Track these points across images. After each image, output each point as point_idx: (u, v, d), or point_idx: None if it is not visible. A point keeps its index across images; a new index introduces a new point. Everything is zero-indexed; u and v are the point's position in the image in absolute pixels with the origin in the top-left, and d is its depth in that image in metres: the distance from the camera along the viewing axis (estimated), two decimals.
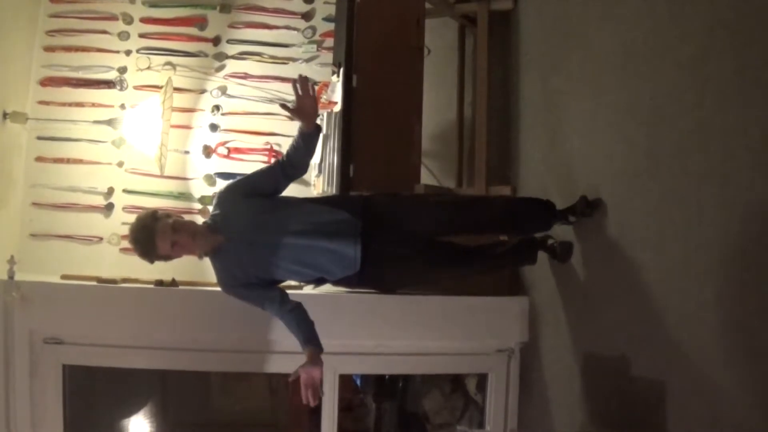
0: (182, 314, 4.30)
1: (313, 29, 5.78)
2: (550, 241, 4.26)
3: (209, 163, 5.64)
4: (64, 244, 5.41)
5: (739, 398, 2.87)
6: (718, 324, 3.01)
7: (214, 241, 3.63)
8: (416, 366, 4.78)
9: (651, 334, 3.44)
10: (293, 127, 5.56)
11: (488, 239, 4.21)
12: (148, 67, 5.60)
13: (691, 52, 3.21)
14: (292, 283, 4.57)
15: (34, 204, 5.40)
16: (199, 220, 4.66)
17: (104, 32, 5.61)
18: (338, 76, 4.71)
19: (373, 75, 4.60)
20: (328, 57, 5.59)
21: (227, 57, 5.74)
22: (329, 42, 5.64)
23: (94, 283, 4.49)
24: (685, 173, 3.22)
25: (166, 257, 3.61)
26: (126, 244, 5.32)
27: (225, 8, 5.70)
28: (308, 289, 4.29)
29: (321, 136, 4.03)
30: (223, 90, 5.69)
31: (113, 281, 4.53)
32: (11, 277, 4.10)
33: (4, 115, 5.02)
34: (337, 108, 4.63)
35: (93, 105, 5.52)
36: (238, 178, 3.88)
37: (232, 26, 5.76)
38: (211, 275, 3.79)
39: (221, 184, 5.45)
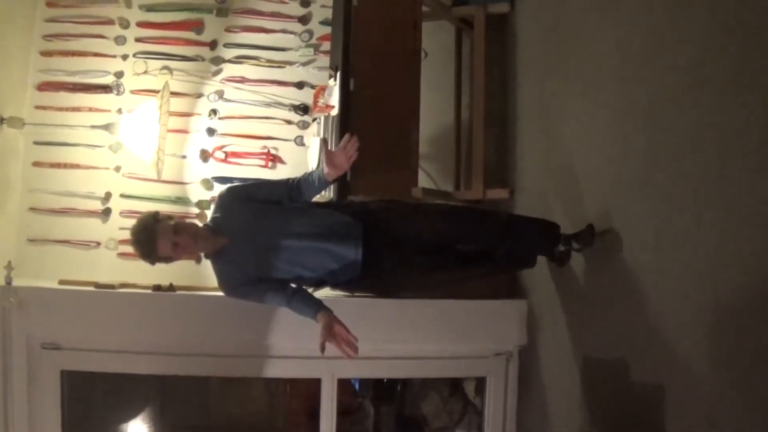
0: (180, 319, 4.31)
1: (310, 33, 5.78)
2: None
3: (206, 168, 5.63)
4: (61, 249, 5.40)
5: (737, 400, 2.87)
6: (717, 326, 3.00)
7: (215, 243, 3.63)
8: (414, 369, 4.78)
9: (649, 337, 3.44)
10: (290, 131, 5.62)
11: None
12: (145, 72, 5.59)
13: (688, 55, 3.21)
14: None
15: (32, 209, 5.39)
16: (198, 224, 4.64)
17: (101, 36, 5.60)
18: (335, 79, 4.71)
19: (370, 78, 4.61)
20: (325, 60, 5.59)
21: (224, 61, 5.73)
22: (326, 45, 5.63)
23: (92, 288, 4.50)
24: (683, 176, 3.22)
25: (167, 259, 3.61)
26: (124, 248, 5.33)
27: (222, 12, 5.69)
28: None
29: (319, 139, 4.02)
30: (220, 94, 5.68)
31: (111, 286, 4.53)
32: (8, 283, 4.10)
33: (1, 120, 5.01)
34: (334, 112, 4.64)
35: (90, 109, 5.51)
36: (245, 182, 3.87)
37: (228, 30, 5.76)
38: (208, 280, 3.80)
39: (219, 189, 5.45)
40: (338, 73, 4.63)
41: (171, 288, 4.62)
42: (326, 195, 4.51)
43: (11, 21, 5.20)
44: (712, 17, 3.06)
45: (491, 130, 5.10)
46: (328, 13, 5.44)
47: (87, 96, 5.53)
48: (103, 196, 5.48)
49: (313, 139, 5.05)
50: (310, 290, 4.07)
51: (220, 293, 3.80)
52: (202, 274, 4.90)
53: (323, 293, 4.08)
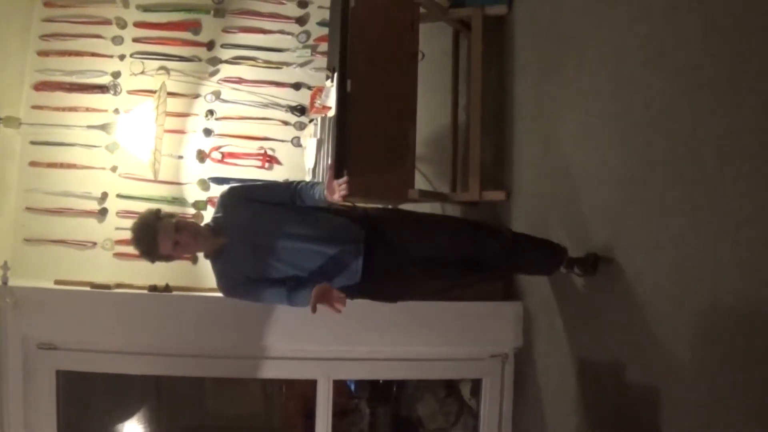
0: (176, 320, 4.31)
1: (308, 34, 5.77)
2: None
3: (203, 168, 5.63)
4: (57, 249, 5.39)
5: (733, 403, 2.88)
6: (713, 329, 3.01)
7: (216, 242, 3.61)
8: (410, 371, 4.79)
9: (645, 339, 3.44)
10: (287, 132, 5.62)
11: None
12: (142, 72, 5.58)
13: (685, 58, 3.21)
14: None
15: (28, 209, 5.38)
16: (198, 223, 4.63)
17: (98, 37, 5.59)
18: (332, 80, 4.71)
19: (368, 80, 4.60)
20: (322, 61, 5.59)
21: (221, 61, 5.72)
22: (323, 46, 5.63)
23: (88, 288, 4.50)
24: (679, 179, 3.22)
25: (168, 257, 3.56)
26: (120, 249, 5.33)
27: (219, 13, 5.69)
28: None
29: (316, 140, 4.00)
30: (217, 94, 5.68)
31: (107, 286, 4.53)
32: (5, 283, 4.11)
33: None
34: (331, 113, 4.63)
35: (87, 109, 5.50)
36: (248, 183, 3.85)
37: (226, 31, 5.75)
38: (204, 280, 3.80)
39: (215, 189, 5.46)
40: (335, 75, 4.62)
41: (167, 288, 4.62)
42: None
43: (8, 21, 5.19)
44: (709, 20, 3.06)
45: (488, 131, 5.11)
46: (326, 15, 5.44)
47: (84, 96, 5.52)
48: (99, 196, 5.47)
49: (309, 140, 5.05)
50: None
51: (216, 294, 3.79)
52: (198, 274, 4.90)
53: None
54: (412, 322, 4.39)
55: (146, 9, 5.65)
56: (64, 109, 5.48)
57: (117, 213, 5.46)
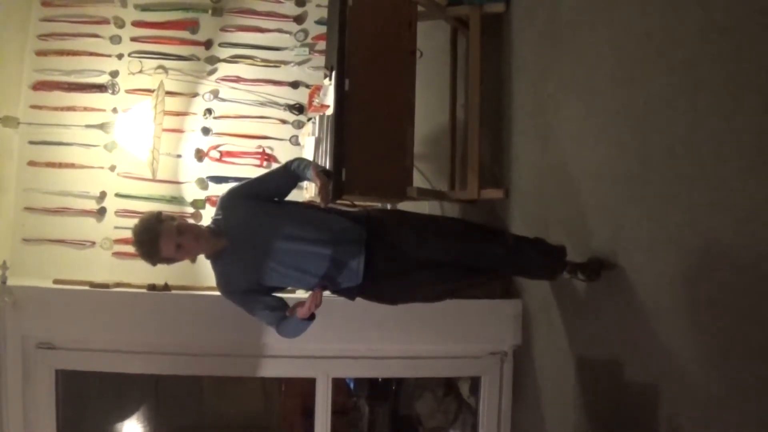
0: (175, 319, 4.31)
1: (305, 32, 5.78)
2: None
3: (201, 167, 5.63)
4: (56, 248, 5.39)
5: (731, 401, 2.88)
6: (710, 327, 3.01)
7: (217, 244, 3.59)
8: (409, 369, 4.80)
9: (643, 337, 3.44)
10: (285, 131, 5.63)
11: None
12: (140, 71, 5.59)
13: (683, 56, 3.21)
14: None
15: (26, 208, 5.39)
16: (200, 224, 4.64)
17: (96, 36, 5.59)
18: (330, 79, 4.71)
19: (366, 78, 4.60)
20: (320, 60, 5.59)
21: (219, 60, 5.73)
22: (321, 45, 5.64)
23: (87, 287, 4.50)
24: (677, 177, 3.22)
25: (169, 260, 3.54)
26: (118, 248, 5.33)
27: (217, 12, 5.69)
28: (301, 293, 4.29)
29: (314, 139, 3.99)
30: (215, 93, 5.68)
31: (106, 286, 4.53)
32: (3, 282, 4.11)
33: None
34: (330, 111, 4.63)
35: (85, 109, 5.50)
36: (246, 181, 3.84)
37: (224, 29, 5.75)
38: (203, 279, 3.79)
39: (213, 188, 5.47)
40: (333, 73, 4.62)
41: (166, 287, 4.62)
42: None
43: (6, 20, 5.19)
44: (707, 19, 3.06)
45: (486, 129, 5.11)
46: (324, 13, 5.44)
47: (82, 95, 5.52)
48: (98, 195, 5.47)
49: (308, 138, 5.05)
50: (304, 292, 4.07)
51: (215, 293, 3.78)
52: (197, 273, 4.90)
53: None
54: (411, 320, 4.39)
55: (144, 8, 5.65)
56: (62, 109, 5.48)
57: (116, 212, 5.46)
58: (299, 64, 5.77)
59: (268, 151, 5.66)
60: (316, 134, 4.82)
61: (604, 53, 3.89)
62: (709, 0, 3.07)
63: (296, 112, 5.68)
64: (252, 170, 5.58)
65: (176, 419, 5.26)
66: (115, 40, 5.60)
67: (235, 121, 5.70)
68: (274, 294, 3.68)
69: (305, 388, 4.70)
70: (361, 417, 5.35)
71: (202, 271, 3.91)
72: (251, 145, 5.68)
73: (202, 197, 5.58)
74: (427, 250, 3.75)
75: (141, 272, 4.72)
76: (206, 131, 5.64)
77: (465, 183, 5.14)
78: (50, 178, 5.43)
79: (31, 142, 5.42)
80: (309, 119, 5.28)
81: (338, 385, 4.88)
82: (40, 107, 5.46)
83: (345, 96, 4.53)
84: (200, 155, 5.63)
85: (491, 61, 5.17)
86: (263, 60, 5.76)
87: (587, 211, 3.99)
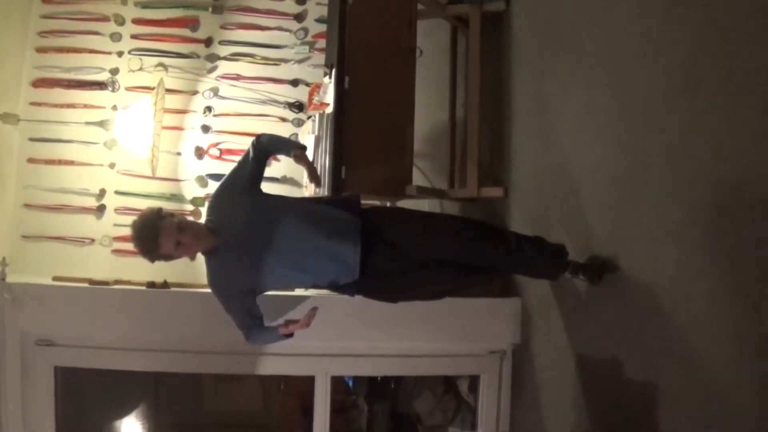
0: (174, 316, 4.31)
1: (306, 30, 5.78)
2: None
3: (201, 165, 5.64)
4: (55, 245, 5.40)
5: (731, 400, 2.88)
6: (710, 325, 3.01)
7: (214, 241, 3.59)
8: (408, 367, 4.79)
9: (642, 336, 3.44)
10: (285, 129, 5.65)
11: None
12: (140, 69, 5.59)
13: (682, 55, 3.21)
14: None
15: (26, 205, 5.39)
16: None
17: (96, 33, 5.60)
18: (330, 77, 4.71)
19: (365, 76, 4.60)
20: (320, 58, 5.60)
21: (219, 58, 5.74)
22: (321, 43, 5.65)
23: (86, 284, 4.50)
24: (676, 176, 3.22)
25: (168, 257, 3.53)
26: (118, 245, 5.33)
27: (217, 9, 5.70)
28: (299, 291, 4.29)
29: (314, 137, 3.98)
30: (215, 91, 5.69)
31: (105, 283, 4.53)
32: (3, 279, 4.11)
33: None
34: (329, 109, 4.63)
35: (85, 106, 5.51)
36: (221, 181, 3.82)
37: (224, 27, 5.76)
38: (203, 277, 3.78)
39: (213, 186, 5.47)
40: (333, 71, 4.63)
41: (165, 285, 4.62)
42: (320, 192, 4.51)
43: (7, 17, 5.19)
44: (706, 18, 3.06)
45: (486, 128, 5.10)
46: (324, 11, 5.44)
47: (82, 93, 5.53)
48: (97, 192, 5.48)
49: (307, 136, 5.05)
50: (302, 290, 4.07)
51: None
52: (196, 271, 4.89)
53: (317, 291, 4.09)
54: (410, 318, 4.39)
55: (144, 6, 5.66)
56: (62, 106, 5.49)
57: (115, 209, 5.47)
58: (299, 62, 5.78)
59: None
60: (316, 132, 4.81)
61: (603, 52, 3.89)
62: None
63: (296, 110, 5.68)
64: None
65: (175, 417, 5.26)
66: (116, 37, 5.61)
67: (235, 118, 5.70)
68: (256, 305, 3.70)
69: (304, 386, 4.69)
70: (360, 415, 5.35)
71: (201, 269, 3.89)
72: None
73: (202, 195, 5.58)
74: (427, 248, 3.75)
75: (140, 270, 4.74)
76: (206, 129, 5.65)
77: (464, 181, 5.14)
78: (50, 175, 5.44)
79: (31, 139, 5.42)
80: (309, 117, 5.28)
81: (337, 383, 4.88)
82: (40, 104, 5.47)
83: (345, 94, 4.53)
84: (200, 153, 5.63)
85: (491, 60, 5.17)
86: (263, 58, 5.77)
87: (586, 210, 3.99)
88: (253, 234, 3.56)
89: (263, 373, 4.57)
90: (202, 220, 3.84)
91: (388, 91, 4.70)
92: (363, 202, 3.88)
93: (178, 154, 5.65)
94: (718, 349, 2.97)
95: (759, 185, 2.76)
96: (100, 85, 5.56)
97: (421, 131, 5.04)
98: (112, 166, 5.51)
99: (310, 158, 4.65)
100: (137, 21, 5.64)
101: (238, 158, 5.37)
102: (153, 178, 5.44)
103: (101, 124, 5.39)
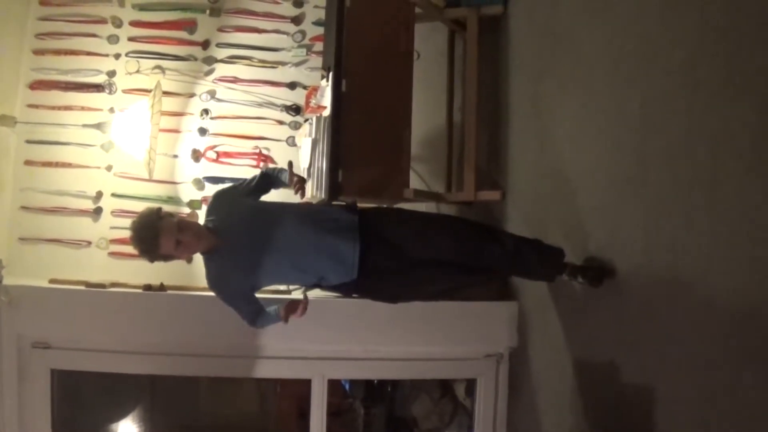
0: (171, 319, 4.31)
1: (303, 33, 5.78)
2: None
3: (198, 167, 5.63)
4: (52, 248, 5.38)
5: (728, 403, 2.88)
6: (707, 329, 3.01)
7: (214, 241, 3.60)
8: (405, 371, 4.79)
9: (640, 339, 3.44)
10: (282, 132, 5.62)
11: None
12: (137, 71, 5.58)
13: (681, 57, 3.22)
14: (281, 287, 4.58)
15: (23, 208, 5.38)
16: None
17: (93, 35, 5.59)
18: (327, 80, 4.71)
19: (363, 79, 4.60)
20: (317, 61, 5.59)
21: (216, 61, 5.73)
22: (319, 46, 5.63)
23: (83, 287, 4.50)
24: (674, 179, 3.23)
25: (168, 257, 3.54)
26: (115, 248, 5.32)
27: (214, 12, 5.69)
28: (297, 293, 4.29)
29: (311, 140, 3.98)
30: (212, 94, 5.68)
31: (102, 285, 4.53)
32: None
33: None
34: (326, 112, 4.63)
35: (82, 108, 5.50)
36: (227, 185, 3.85)
37: (221, 30, 5.75)
38: (199, 280, 3.78)
39: (210, 189, 5.46)
40: (330, 74, 4.62)
41: (162, 288, 4.62)
42: (317, 195, 4.51)
43: (4, 19, 5.20)
44: (705, 20, 3.07)
45: (483, 131, 5.11)
46: (321, 14, 5.43)
47: (79, 95, 5.52)
48: (94, 195, 5.47)
49: (304, 139, 5.04)
50: (299, 291, 4.08)
51: (211, 293, 3.79)
52: (192, 273, 4.89)
53: (316, 293, 4.08)
54: (406, 321, 4.39)
55: (142, 8, 5.65)
56: (59, 108, 5.48)
57: (112, 212, 5.45)
58: (296, 65, 5.77)
59: (264, 152, 5.65)
60: (313, 135, 4.81)
61: (601, 54, 3.90)
62: (706, 1, 3.07)
63: (293, 113, 5.67)
64: (249, 171, 5.57)
65: (172, 420, 5.25)
66: (113, 39, 5.60)
67: (232, 121, 5.69)
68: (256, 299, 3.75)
69: (301, 389, 4.69)
70: (356, 418, 5.34)
71: (198, 272, 3.90)
72: (248, 146, 5.68)
73: (199, 198, 5.57)
74: (426, 248, 3.75)
75: (137, 272, 4.74)
76: (203, 132, 5.64)
77: (462, 185, 5.14)
78: (47, 177, 5.43)
79: (28, 142, 5.41)
80: (306, 120, 5.27)
81: (334, 386, 4.87)
82: (37, 106, 5.46)
83: (342, 97, 4.53)
84: (197, 155, 5.62)
85: (488, 63, 5.17)
86: (260, 61, 5.76)
87: (584, 212, 3.99)
88: (254, 234, 3.57)
89: (260, 376, 4.58)
90: (200, 220, 3.85)
91: (385, 94, 4.70)
92: (360, 206, 3.90)
93: (175, 156, 5.64)
94: (714, 351, 2.97)
95: (756, 189, 2.76)
96: (97, 88, 5.55)
97: (418, 134, 5.04)
98: (109, 168, 5.50)
99: (308, 161, 4.68)
100: (134, 23, 5.63)
101: (234, 161, 5.43)
102: (150, 180, 5.43)
103: (98, 126, 5.38)
